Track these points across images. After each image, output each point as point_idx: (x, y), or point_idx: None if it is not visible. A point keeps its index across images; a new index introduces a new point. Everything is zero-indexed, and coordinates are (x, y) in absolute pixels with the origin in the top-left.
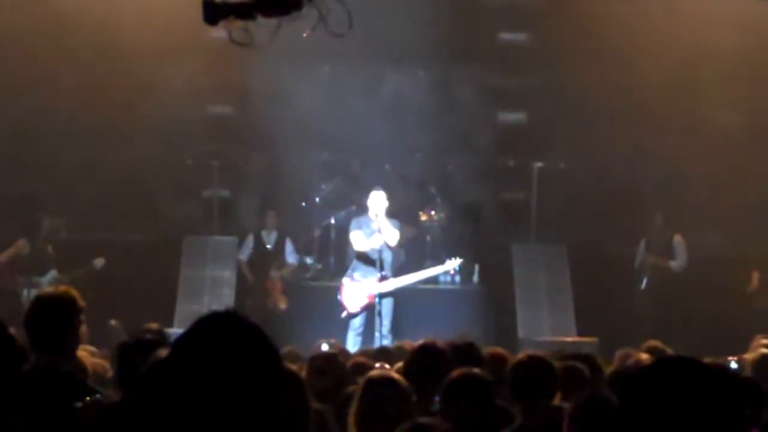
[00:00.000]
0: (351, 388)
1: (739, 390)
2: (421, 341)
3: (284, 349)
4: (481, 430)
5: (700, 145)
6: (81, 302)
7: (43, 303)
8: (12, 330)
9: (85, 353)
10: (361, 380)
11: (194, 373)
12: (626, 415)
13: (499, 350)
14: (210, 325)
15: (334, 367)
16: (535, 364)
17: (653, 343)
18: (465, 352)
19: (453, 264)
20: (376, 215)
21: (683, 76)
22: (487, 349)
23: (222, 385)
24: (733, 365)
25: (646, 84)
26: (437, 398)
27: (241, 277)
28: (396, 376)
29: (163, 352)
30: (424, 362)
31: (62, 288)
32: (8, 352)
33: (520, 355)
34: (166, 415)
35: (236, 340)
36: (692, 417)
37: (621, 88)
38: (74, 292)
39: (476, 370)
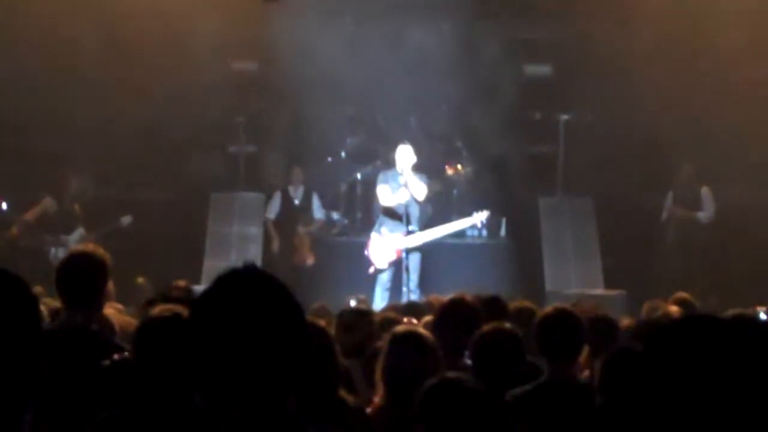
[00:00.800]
0: (379, 344)
1: None
2: (450, 296)
3: (315, 305)
4: (510, 385)
5: (727, 97)
6: (108, 260)
7: (76, 261)
8: (39, 289)
9: (113, 311)
10: (387, 336)
11: (216, 329)
12: (653, 371)
13: (527, 303)
14: (231, 280)
15: (363, 323)
16: (562, 317)
17: (682, 295)
18: (491, 306)
19: (480, 217)
20: (403, 170)
21: (710, 28)
22: (514, 303)
23: (245, 340)
24: (762, 316)
25: (673, 36)
26: (467, 353)
27: (267, 233)
28: (421, 330)
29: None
30: (455, 317)
31: (92, 246)
32: (30, 313)
33: (547, 308)
34: (192, 371)
35: (258, 295)
36: (725, 371)
37: (647, 40)
38: (103, 250)
39: (507, 324)
